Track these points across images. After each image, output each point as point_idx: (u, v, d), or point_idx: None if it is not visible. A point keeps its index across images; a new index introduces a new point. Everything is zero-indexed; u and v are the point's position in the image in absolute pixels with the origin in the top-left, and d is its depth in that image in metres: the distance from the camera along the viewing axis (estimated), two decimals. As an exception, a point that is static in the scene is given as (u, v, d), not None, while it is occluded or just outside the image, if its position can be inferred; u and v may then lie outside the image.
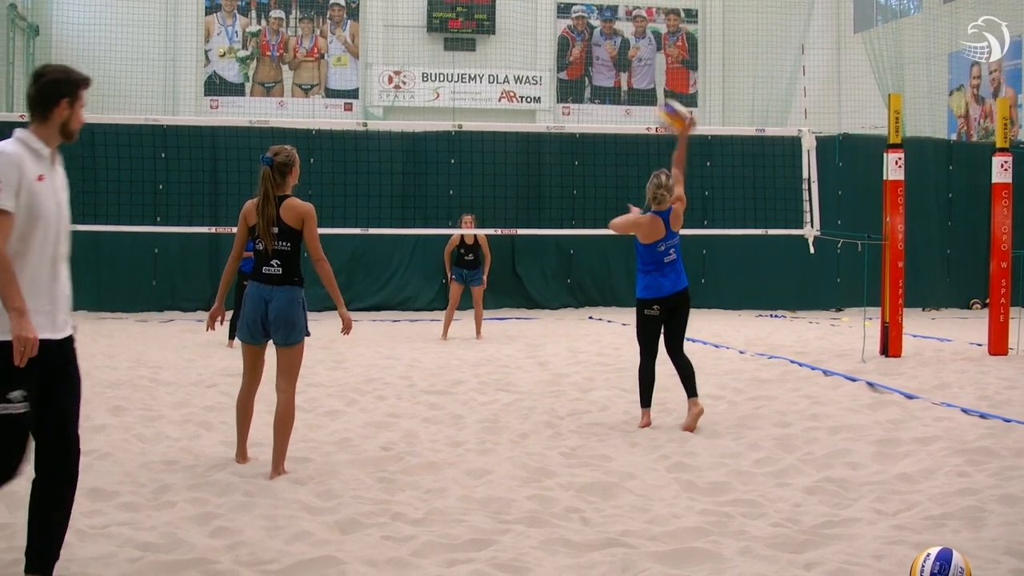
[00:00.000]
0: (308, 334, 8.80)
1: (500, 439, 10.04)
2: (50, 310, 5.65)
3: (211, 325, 9.05)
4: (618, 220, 11.08)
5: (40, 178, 5.63)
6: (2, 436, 5.50)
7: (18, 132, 5.71)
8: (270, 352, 8.90)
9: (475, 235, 19.94)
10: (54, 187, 5.74)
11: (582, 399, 12.39)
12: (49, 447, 5.77)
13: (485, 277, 20.27)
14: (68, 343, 5.83)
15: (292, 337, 8.62)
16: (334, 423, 10.84)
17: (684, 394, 10.83)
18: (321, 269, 8.78)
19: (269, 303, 8.56)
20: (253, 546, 6.61)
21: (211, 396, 12.37)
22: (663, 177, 10.73)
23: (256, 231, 8.65)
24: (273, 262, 8.57)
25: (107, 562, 6.26)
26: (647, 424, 10.63)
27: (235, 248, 8.95)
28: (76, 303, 20.63)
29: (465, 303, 22.19)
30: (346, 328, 8.97)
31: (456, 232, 20.26)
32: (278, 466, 8.57)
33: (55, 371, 5.70)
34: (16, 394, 5.45)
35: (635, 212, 10.95)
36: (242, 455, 8.97)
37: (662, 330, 10.81)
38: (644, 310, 10.71)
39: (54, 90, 5.79)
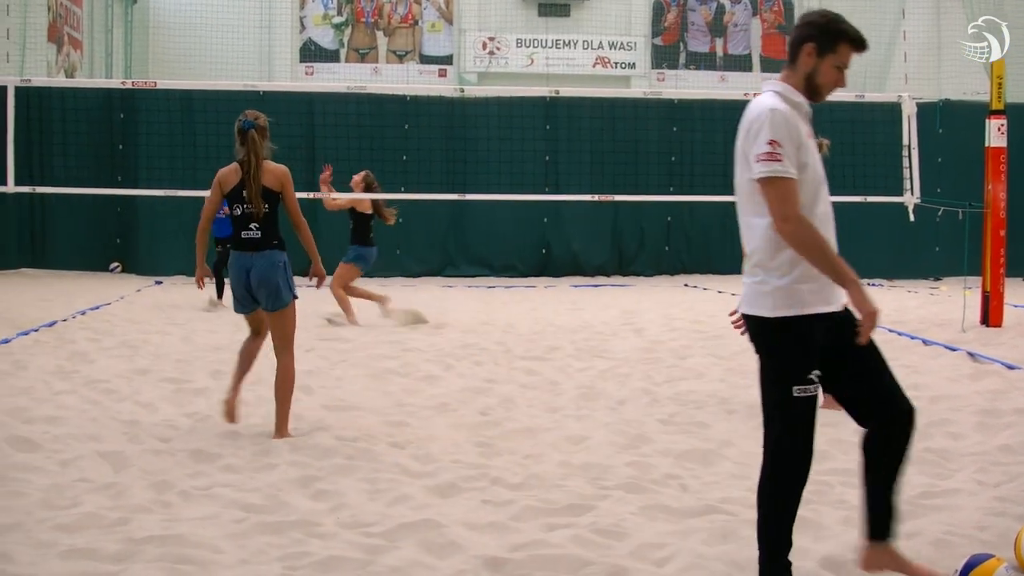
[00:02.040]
0: (296, 296, 8.77)
1: (597, 405, 10.06)
2: (827, 281, 5.11)
3: (200, 284, 9.21)
4: None
5: (809, 135, 5.18)
6: (802, 418, 5.20)
7: (772, 84, 5.29)
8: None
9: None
10: (813, 144, 5.21)
11: (678, 366, 12.37)
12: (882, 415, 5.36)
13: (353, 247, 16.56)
14: (847, 315, 5.26)
15: (278, 302, 8.61)
16: (431, 388, 10.91)
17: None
18: (301, 230, 8.79)
19: (250, 271, 8.56)
20: (354, 509, 6.67)
21: (310, 360, 12.47)
22: None
23: (233, 197, 8.65)
24: (252, 225, 8.58)
25: (212, 522, 6.34)
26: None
27: (207, 212, 8.89)
28: (176, 267, 20.85)
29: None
30: (319, 281, 9.14)
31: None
32: (281, 429, 8.61)
33: (838, 346, 5.21)
34: (815, 374, 5.11)
35: None
36: (230, 409, 8.89)
37: None
38: None
39: (802, 34, 5.29)
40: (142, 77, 32.61)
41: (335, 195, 16.29)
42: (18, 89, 17.49)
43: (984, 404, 9.94)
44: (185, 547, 5.85)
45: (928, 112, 23.77)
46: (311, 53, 36.48)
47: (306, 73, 36.24)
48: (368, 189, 16.28)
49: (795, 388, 5.11)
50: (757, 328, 5.26)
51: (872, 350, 5.31)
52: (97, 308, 17.68)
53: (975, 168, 18.75)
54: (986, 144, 16.28)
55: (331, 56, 36.56)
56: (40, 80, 23.87)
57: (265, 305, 8.64)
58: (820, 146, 9.76)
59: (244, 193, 8.56)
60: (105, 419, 9.12)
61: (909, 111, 17.09)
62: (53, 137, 24.60)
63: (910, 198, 17.07)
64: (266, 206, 8.58)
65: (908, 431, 5.33)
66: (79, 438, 8.37)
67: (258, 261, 8.55)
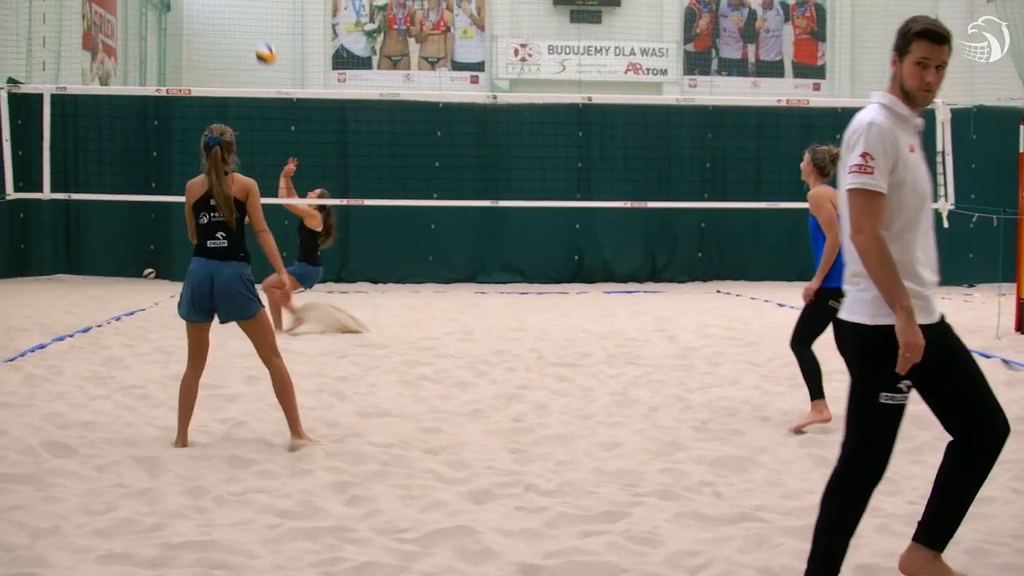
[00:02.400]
0: (262, 306, 8.74)
1: (630, 412, 10.05)
2: (928, 295, 5.19)
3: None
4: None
5: (911, 149, 5.18)
6: (884, 426, 5.17)
7: (879, 96, 5.26)
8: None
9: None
10: (920, 158, 5.24)
11: (712, 373, 12.35)
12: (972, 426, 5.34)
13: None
14: (943, 326, 5.32)
15: (246, 312, 8.56)
16: (464, 394, 10.92)
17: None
18: (264, 239, 8.74)
19: (215, 279, 8.47)
20: (388, 515, 6.69)
21: (343, 366, 12.51)
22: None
23: (198, 206, 8.62)
24: (219, 234, 8.53)
25: (246, 528, 6.37)
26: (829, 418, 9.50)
27: (190, 226, 8.80)
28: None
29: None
30: (280, 289, 9.10)
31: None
32: (296, 429, 8.57)
33: (939, 357, 5.16)
34: (904, 384, 5.07)
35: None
36: (182, 440, 8.56)
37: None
38: (830, 301, 9.13)
39: (897, 42, 5.23)
40: (175, 84, 32.76)
41: (293, 201, 16.19)
42: (53, 96, 17.57)
43: (1019, 412, 9.87)
44: (220, 552, 5.88)
45: (962, 118, 23.70)
46: (343, 60, 36.58)
47: (338, 80, 36.35)
48: (321, 208, 16.12)
49: (883, 395, 5.09)
50: (854, 334, 5.24)
51: (973, 365, 5.36)
52: (131, 314, 17.77)
53: (1009, 174, 18.70)
54: (1020, 150, 16.20)
55: (363, 63, 36.66)
56: (75, 88, 24.04)
57: (227, 316, 8.57)
58: (830, 153, 9.73)
59: (211, 202, 8.56)
60: (140, 424, 9.18)
61: (943, 117, 17.01)
62: (88, 144, 24.72)
63: (944, 204, 16.99)
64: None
65: (999, 448, 5.33)
66: (115, 443, 8.42)
67: (224, 270, 8.49)
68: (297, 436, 8.53)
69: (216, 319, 8.67)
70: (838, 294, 8.85)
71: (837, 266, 9.16)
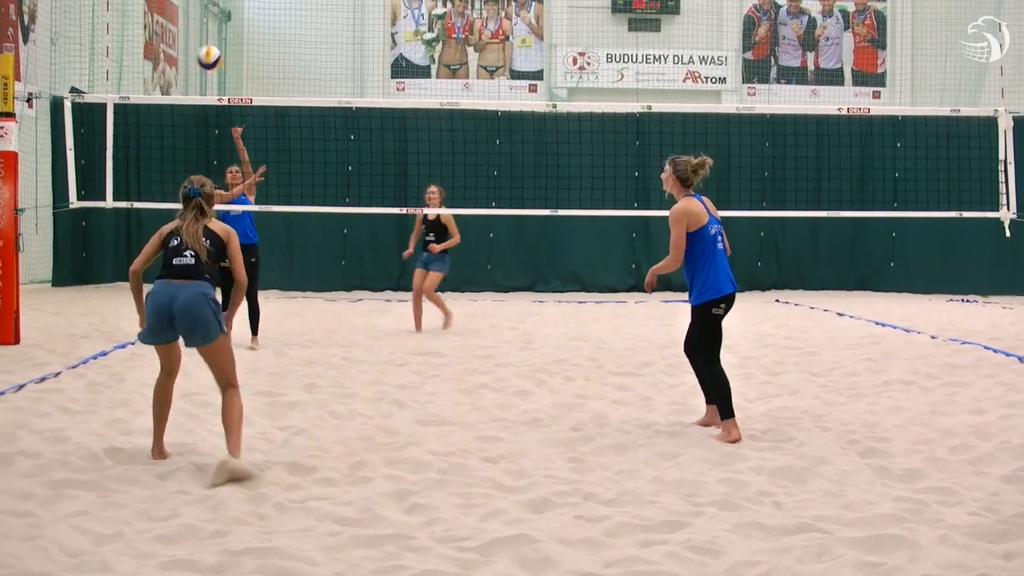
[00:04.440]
0: (224, 331, 8.17)
1: (689, 421, 10.03)
2: None
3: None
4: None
5: None
6: None
7: None
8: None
9: (438, 213, 17.16)
10: None
11: (771, 382, 12.30)
12: None
13: (446, 256, 17.22)
14: None
15: (206, 337, 8.05)
16: (523, 403, 10.92)
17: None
18: (238, 289, 8.53)
19: (175, 299, 8.01)
20: (449, 523, 6.70)
21: (403, 375, 12.54)
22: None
23: (172, 233, 8.28)
24: (187, 252, 8.11)
25: (307, 535, 6.40)
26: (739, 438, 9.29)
27: (140, 257, 8.45)
28: (269, 282, 21.23)
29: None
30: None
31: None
32: (235, 447, 7.85)
33: None
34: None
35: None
36: (159, 451, 8.35)
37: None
38: (713, 309, 9.61)
39: None
40: (235, 93, 32.97)
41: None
42: (116, 106, 17.74)
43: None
44: (282, 559, 5.91)
45: (1024, 126, 23.47)
46: (402, 69, 36.73)
47: (397, 89, 36.51)
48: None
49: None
50: None
51: None
52: (192, 322, 17.86)
53: (1074, 183, 18.53)
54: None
55: (422, 72, 36.80)
56: (138, 97, 24.27)
57: (190, 340, 8.12)
58: (690, 164, 9.84)
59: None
60: (201, 431, 9.24)
61: (1005, 125, 16.88)
62: (150, 153, 24.92)
63: (1006, 213, 16.86)
64: (212, 247, 8.24)
65: None
66: (176, 450, 8.48)
67: (186, 290, 8.03)
68: (234, 452, 7.82)
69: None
70: (717, 303, 9.51)
71: (709, 280, 9.54)
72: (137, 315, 8.51)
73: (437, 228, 17.03)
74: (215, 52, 16.60)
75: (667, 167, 9.83)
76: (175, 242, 8.21)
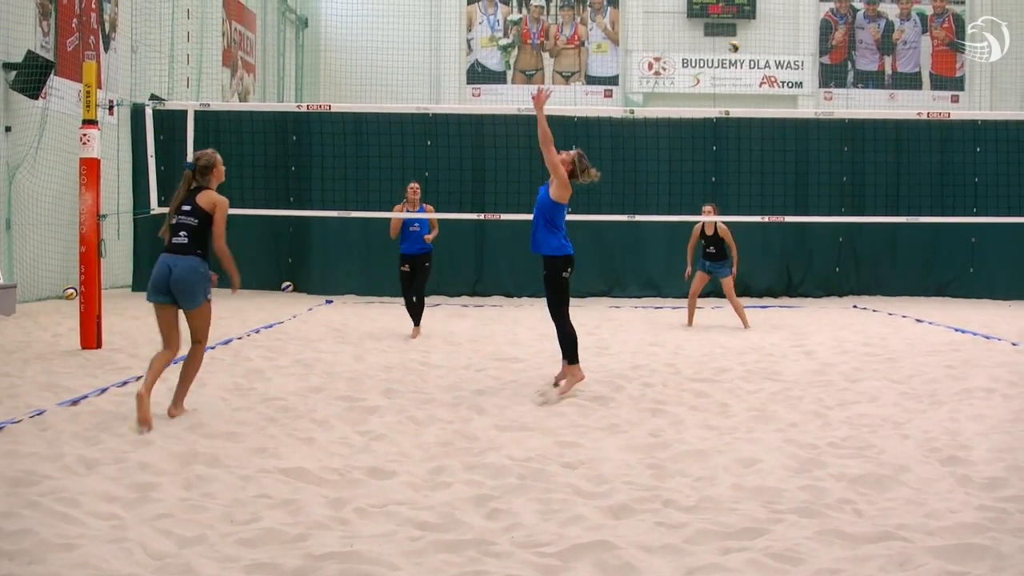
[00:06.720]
0: (208, 299, 10.06)
1: (768, 428, 9.98)
2: None
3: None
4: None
5: None
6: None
7: None
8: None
9: (715, 225, 18.97)
10: None
11: (851, 389, 12.20)
12: None
13: (735, 268, 19.37)
14: None
15: (193, 302, 9.96)
16: (602, 409, 10.91)
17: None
18: (219, 247, 10.03)
19: (172, 269, 9.87)
20: (529, 529, 6.70)
21: (481, 380, 12.57)
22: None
23: (174, 212, 10.07)
24: (182, 233, 9.97)
25: (388, 539, 6.43)
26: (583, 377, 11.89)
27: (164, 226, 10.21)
28: (346, 287, 21.40)
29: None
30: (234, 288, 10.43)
31: (701, 219, 19.46)
32: (177, 403, 10.10)
33: None
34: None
35: None
36: (147, 390, 9.61)
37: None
38: (569, 269, 11.99)
39: None
40: (312, 99, 33.26)
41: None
42: (196, 113, 17.91)
43: None
44: (363, 564, 5.94)
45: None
46: (478, 75, 36.84)
47: (473, 95, 36.62)
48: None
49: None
50: None
51: None
52: (270, 327, 18.05)
53: None
54: None
55: (497, 78, 36.90)
56: (218, 104, 24.49)
57: (183, 304, 9.96)
58: (589, 172, 11.71)
59: (183, 207, 10.02)
60: (282, 436, 9.30)
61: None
62: (228, 160, 24.93)
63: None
64: (195, 220, 9.97)
65: None
66: (257, 454, 8.55)
67: (181, 262, 9.89)
68: (175, 410, 10.03)
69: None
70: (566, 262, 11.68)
71: (554, 237, 11.83)
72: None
73: (716, 241, 18.97)
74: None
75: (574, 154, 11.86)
76: (174, 221, 10.07)
